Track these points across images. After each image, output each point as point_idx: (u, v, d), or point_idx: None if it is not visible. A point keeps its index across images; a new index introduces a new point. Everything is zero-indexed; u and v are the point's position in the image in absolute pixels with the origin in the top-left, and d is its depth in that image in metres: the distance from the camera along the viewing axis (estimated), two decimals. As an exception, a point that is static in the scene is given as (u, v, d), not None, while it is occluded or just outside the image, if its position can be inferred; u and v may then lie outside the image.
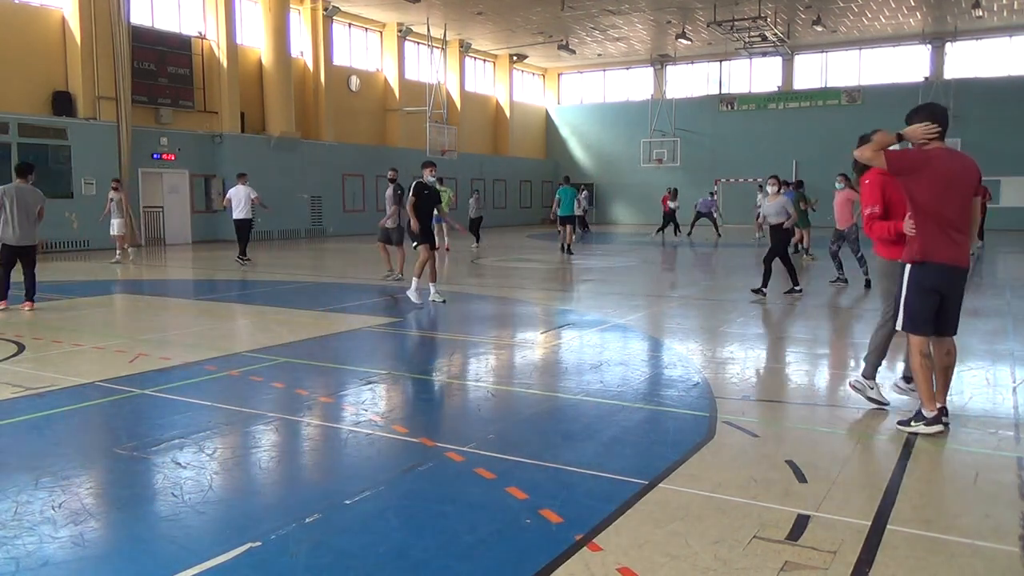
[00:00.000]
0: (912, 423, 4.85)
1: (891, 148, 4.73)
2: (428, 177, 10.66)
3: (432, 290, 10.50)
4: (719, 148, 35.80)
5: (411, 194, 10.43)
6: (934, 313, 4.77)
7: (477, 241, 21.72)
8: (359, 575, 3.07)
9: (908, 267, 4.81)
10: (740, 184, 34.80)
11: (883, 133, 4.76)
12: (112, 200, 16.94)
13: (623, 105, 38.86)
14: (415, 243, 10.60)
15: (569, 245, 19.52)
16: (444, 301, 10.41)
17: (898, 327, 4.95)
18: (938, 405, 4.80)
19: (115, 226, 16.93)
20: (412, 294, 10.44)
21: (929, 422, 4.78)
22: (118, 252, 17.12)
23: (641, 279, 14.61)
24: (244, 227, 16.64)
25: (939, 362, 4.87)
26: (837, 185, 12.19)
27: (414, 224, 10.44)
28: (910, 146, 4.85)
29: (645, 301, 11.37)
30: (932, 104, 4.87)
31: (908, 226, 4.83)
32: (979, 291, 11.92)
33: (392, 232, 13.06)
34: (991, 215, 28.80)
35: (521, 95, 39.19)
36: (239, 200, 16.39)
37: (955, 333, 4.88)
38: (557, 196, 19.90)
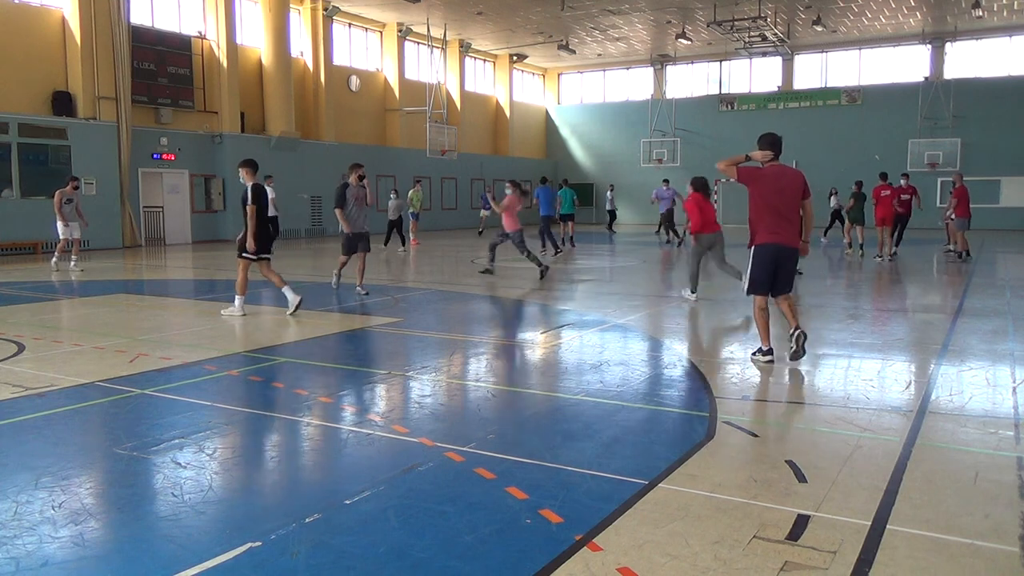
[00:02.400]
0: (755, 355, 6.83)
1: (743, 164, 6.66)
2: (244, 180, 9.41)
3: (290, 298, 9.44)
4: (719, 148, 35.73)
5: (252, 200, 9.26)
6: (770, 279, 6.58)
7: (402, 244, 20.42)
8: (359, 575, 3.07)
9: (752, 250, 6.60)
10: (741, 184, 34.73)
11: (762, 154, 6.69)
12: (71, 202, 14.97)
13: (623, 105, 38.86)
14: (246, 254, 9.51)
15: (572, 237, 21.90)
16: (295, 312, 9.34)
17: (744, 292, 6.91)
18: (794, 328, 6.55)
19: (61, 230, 14.96)
20: (235, 310, 9.51)
21: (765, 353, 6.75)
22: (67, 257, 15.34)
23: (641, 279, 14.61)
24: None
25: (783, 305, 6.68)
26: (506, 191, 13.98)
27: (252, 232, 9.31)
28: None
29: (645, 301, 11.37)
30: (770, 134, 6.66)
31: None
32: (979, 291, 11.92)
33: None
34: (991, 215, 28.97)
35: (521, 95, 39.18)
36: None
37: (789, 291, 6.73)
38: (559, 196, 22.19)
